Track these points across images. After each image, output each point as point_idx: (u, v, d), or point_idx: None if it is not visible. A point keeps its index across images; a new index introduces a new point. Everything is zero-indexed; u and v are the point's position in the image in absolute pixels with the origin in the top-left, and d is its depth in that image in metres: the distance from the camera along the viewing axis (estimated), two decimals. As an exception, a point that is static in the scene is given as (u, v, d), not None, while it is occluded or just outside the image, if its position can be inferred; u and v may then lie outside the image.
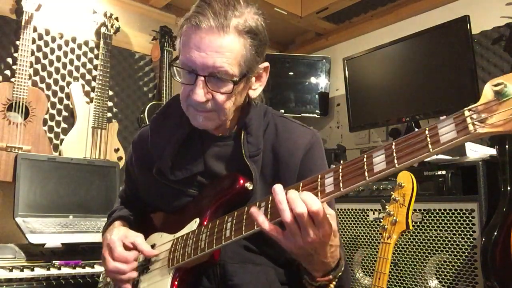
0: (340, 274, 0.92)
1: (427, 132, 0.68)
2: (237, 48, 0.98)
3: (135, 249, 1.08)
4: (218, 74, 0.97)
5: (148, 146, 1.15)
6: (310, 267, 0.90)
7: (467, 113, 0.64)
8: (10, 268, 1.62)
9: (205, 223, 1.02)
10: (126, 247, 1.08)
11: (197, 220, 1.05)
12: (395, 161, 0.70)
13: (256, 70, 1.05)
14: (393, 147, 0.72)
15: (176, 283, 1.02)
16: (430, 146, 0.67)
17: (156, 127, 1.16)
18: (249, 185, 1.02)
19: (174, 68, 1.03)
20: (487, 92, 0.64)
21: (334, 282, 0.92)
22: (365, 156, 0.75)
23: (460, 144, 0.65)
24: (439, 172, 1.89)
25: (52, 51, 2.49)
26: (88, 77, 2.61)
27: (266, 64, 1.09)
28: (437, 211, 1.87)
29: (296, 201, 0.77)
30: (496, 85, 0.62)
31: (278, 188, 0.80)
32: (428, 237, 1.87)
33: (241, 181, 1.02)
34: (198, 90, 0.98)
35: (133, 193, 1.29)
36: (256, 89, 1.10)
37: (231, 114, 1.06)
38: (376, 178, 0.74)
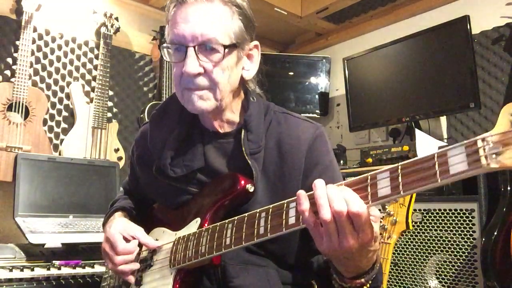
0: (374, 276, 0.86)
1: (436, 159, 0.64)
2: (224, 16, 0.99)
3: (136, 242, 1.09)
4: (208, 43, 0.96)
5: (148, 143, 1.15)
6: (343, 269, 0.84)
7: (480, 143, 0.59)
8: (10, 268, 1.62)
9: (206, 224, 1.02)
10: (126, 240, 1.09)
11: (198, 220, 1.04)
12: (401, 187, 0.67)
13: (246, 46, 1.05)
14: (399, 171, 0.68)
15: (177, 285, 1.01)
16: (438, 177, 0.63)
17: (156, 124, 1.16)
18: (250, 187, 1.00)
19: (165, 49, 1.02)
20: (503, 120, 0.58)
21: (367, 285, 0.86)
22: (369, 177, 0.72)
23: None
24: (439, 172, 1.89)
25: (52, 51, 2.49)
26: (88, 77, 2.61)
27: (256, 42, 1.08)
28: (437, 211, 1.87)
29: (335, 197, 0.71)
30: None
31: (319, 182, 0.74)
32: (428, 237, 1.87)
33: (242, 182, 1.01)
34: (190, 60, 0.96)
35: (135, 186, 1.30)
36: (250, 70, 1.08)
37: (227, 94, 1.03)
38: (378, 204, 0.71)
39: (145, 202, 1.27)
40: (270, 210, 0.85)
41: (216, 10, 0.98)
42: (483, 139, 0.59)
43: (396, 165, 0.69)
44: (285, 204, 0.83)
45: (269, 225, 0.84)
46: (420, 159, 0.66)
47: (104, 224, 1.25)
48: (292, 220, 0.80)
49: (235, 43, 1.00)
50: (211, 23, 0.97)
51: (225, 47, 0.97)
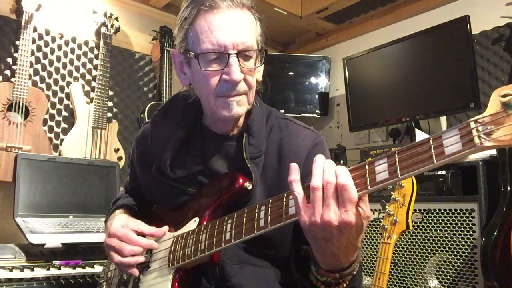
0: (350, 277, 0.87)
1: (431, 142, 0.66)
2: (253, 24, 1.03)
3: (141, 235, 1.10)
4: (246, 51, 0.99)
5: (149, 144, 1.16)
6: (319, 256, 0.84)
7: (473, 124, 0.62)
8: (10, 268, 1.62)
9: (205, 222, 1.02)
10: None
11: (197, 219, 1.05)
12: (398, 171, 0.69)
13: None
14: (396, 156, 0.70)
15: (176, 283, 1.01)
16: (434, 158, 0.65)
17: (157, 125, 1.16)
18: (248, 185, 1.01)
19: (197, 59, 0.99)
20: (494, 102, 0.61)
21: (344, 285, 0.87)
22: (367, 164, 0.73)
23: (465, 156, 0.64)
24: (439, 172, 1.89)
25: (52, 51, 2.49)
26: (88, 77, 2.61)
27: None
28: (437, 211, 1.87)
29: (329, 169, 0.74)
30: (503, 96, 0.59)
31: (319, 157, 0.77)
32: (428, 237, 1.87)
33: (241, 181, 1.01)
34: (235, 68, 0.97)
35: (136, 186, 1.30)
36: (260, 72, 1.11)
37: (253, 98, 1.07)
38: (377, 189, 0.72)
39: (145, 202, 1.27)
40: (270, 202, 0.85)
41: (247, 17, 1.01)
42: (475, 121, 0.62)
43: (392, 151, 0.71)
44: (285, 196, 0.83)
45: (269, 217, 0.84)
46: (415, 143, 0.69)
47: (106, 221, 1.26)
48: (292, 211, 0.81)
49: (261, 48, 1.05)
50: (247, 31, 1.00)
51: (257, 53, 1.02)
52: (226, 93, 1.00)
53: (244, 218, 0.89)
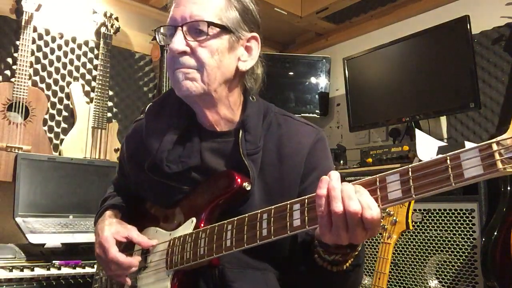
0: (356, 253, 0.86)
1: (448, 162, 0.62)
2: (217, 2, 1.00)
3: (131, 243, 1.08)
4: (196, 24, 0.98)
5: (143, 136, 1.11)
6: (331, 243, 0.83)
7: (495, 146, 0.58)
8: (10, 268, 1.62)
9: (202, 225, 1.00)
10: (120, 243, 1.07)
11: (194, 220, 1.02)
12: (412, 190, 0.66)
13: (241, 34, 1.03)
14: (410, 174, 0.67)
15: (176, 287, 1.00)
16: (452, 180, 0.62)
17: (153, 117, 1.12)
18: (247, 185, 0.98)
19: (160, 35, 1.05)
20: None
21: (350, 260, 0.87)
22: (378, 179, 0.71)
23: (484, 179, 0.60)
24: (439, 172, 1.89)
25: (52, 51, 2.49)
26: (88, 77, 2.61)
27: (255, 34, 1.05)
28: (437, 211, 1.87)
29: (351, 197, 0.71)
30: None
31: (334, 174, 0.75)
32: (428, 237, 1.87)
33: (239, 180, 0.98)
34: (176, 38, 0.98)
35: (125, 184, 1.26)
36: (246, 62, 1.05)
37: (217, 81, 1.01)
38: (388, 207, 0.72)
39: (135, 199, 1.23)
40: (272, 211, 0.83)
41: None
42: (497, 143, 0.58)
43: (405, 167, 0.68)
44: (288, 206, 0.81)
45: (272, 227, 0.82)
46: (431, 161, 0.65)
47: (95, 223, 1.22)
48: (297, 222, 0.79)
49: (226, 27, 1.00)
50: (201, 5, 0.99)
51: (213, 25, 0.98)
52: (171, 67, 1.01)
53: (245, 226, 0.87)
